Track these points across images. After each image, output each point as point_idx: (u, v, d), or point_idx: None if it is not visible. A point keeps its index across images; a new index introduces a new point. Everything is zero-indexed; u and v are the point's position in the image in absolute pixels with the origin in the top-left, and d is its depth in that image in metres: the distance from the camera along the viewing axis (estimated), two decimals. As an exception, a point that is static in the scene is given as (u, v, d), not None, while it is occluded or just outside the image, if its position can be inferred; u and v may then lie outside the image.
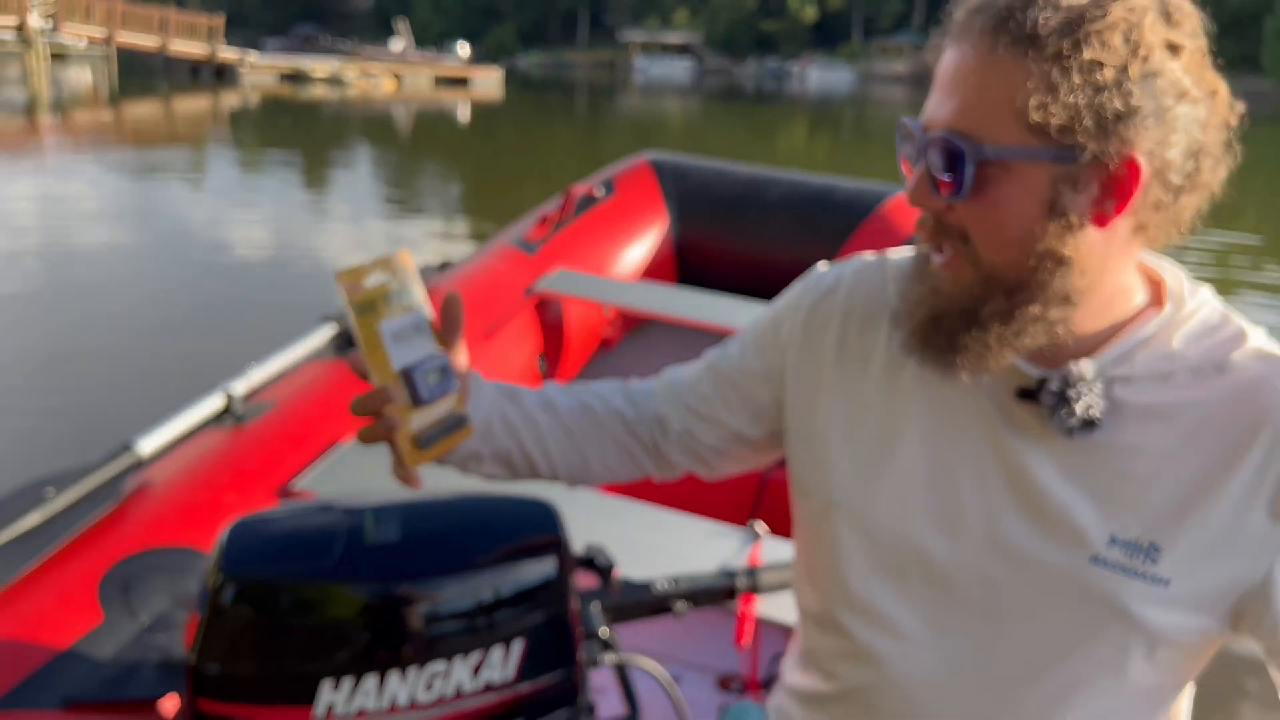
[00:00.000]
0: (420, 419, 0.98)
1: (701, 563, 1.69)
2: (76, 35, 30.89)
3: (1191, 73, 0.81)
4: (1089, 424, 0.87)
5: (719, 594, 1.61)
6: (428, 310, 0.99)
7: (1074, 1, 0.80)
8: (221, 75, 31.94)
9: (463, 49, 49.67)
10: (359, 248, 7.15)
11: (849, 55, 71.23)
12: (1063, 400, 0.87)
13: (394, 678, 1.15)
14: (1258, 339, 0.90)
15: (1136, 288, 0.91)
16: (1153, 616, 0.88)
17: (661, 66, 72.84)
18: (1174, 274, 0.94)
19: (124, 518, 1.78)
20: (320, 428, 2.16)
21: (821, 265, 1.12)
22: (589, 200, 3.80)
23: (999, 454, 0.93)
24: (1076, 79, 0.79)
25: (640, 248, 3.86)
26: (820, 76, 64.44)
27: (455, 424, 1.01)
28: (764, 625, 1.65)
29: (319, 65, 33.60)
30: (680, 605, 1.59)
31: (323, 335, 2.46)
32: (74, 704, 1.43)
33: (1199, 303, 0.92)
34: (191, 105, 21.55)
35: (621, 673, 1.40)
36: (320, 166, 12.13)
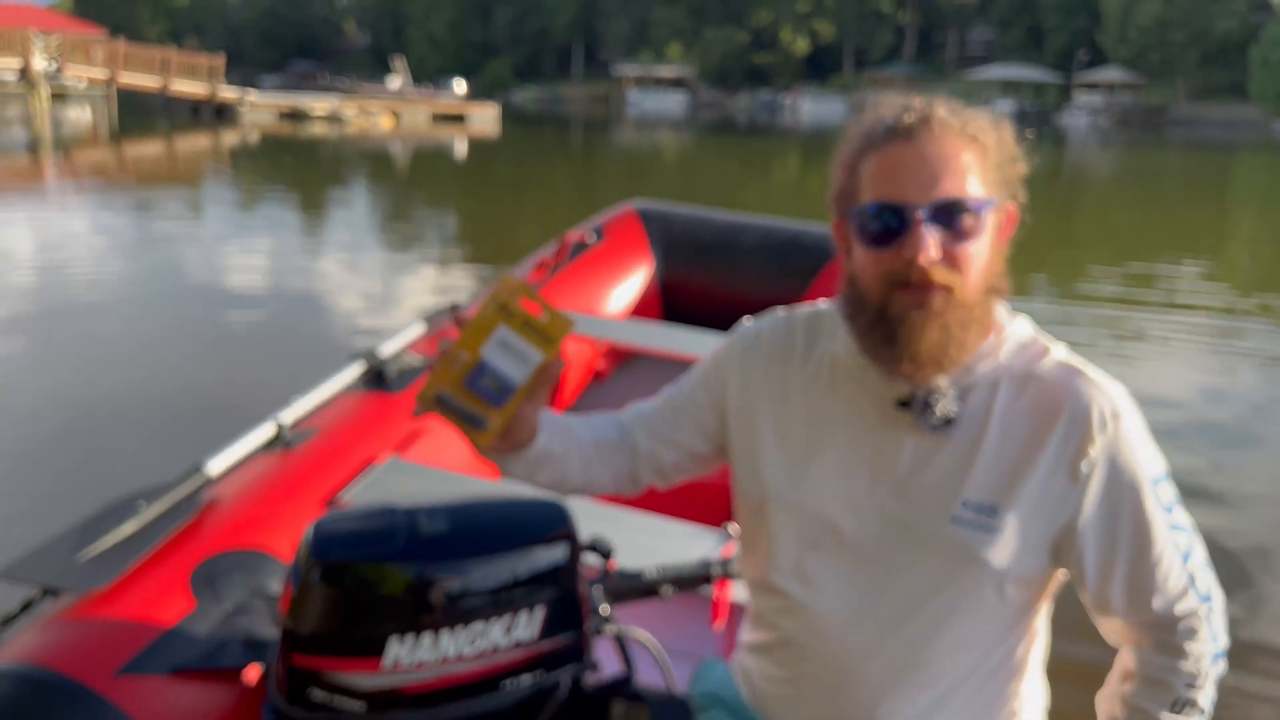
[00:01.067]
0: (459, 392, 1.21)
1: (685, 557, 1.97)
2: (79, 77, 31.28)
3: (1017, 156, 1.23)
4: (947, 422, 1.20)
5: (698, 580, 1.89)
6: (540, 359, 1.22)
7: (959, 107, 1.19)
8: (222, 114, 32.41)
9: (459, 85, 50.23)
10: (359, 280, 7.44)
11: (841, 87, 71.88)
12: (927, 406, 1.19)
13: (445, 636, 1.45)
14: (1058, 353, 1.24)
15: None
16: (996, 558, 1.20)
17: (655, 100, 73.44)
18: (1000, 300, 1.24)
19: (202, 526, 2.10)
20: (358, 450, 2.49)
21: (747, 320, 1.43)
22: (581, 246, 4.10)
23: (885, 449, 1.25)
24: (993, 157, 1.18)
25: (629, 288, 4.19)
26: (813, 108, 64.84)
27: (476, 423, 1.23)
28: (735, 608, 1.94)
29: (318, 103, 34.07)
30: (666, 589, 1.87)
31: (354, 371, 2.81)
32: (179, 671, 1.75)
33: (1015, 327, 1.25)
34: (193, 144, 21.87)
35: (619, 641, 1.70)
36: (321, 203, 12.40)
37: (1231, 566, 3.34)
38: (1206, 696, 1.26)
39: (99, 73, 30.68)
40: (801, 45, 76.53)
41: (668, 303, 4.32)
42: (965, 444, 1.21)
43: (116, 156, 17.80)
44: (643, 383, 3.96)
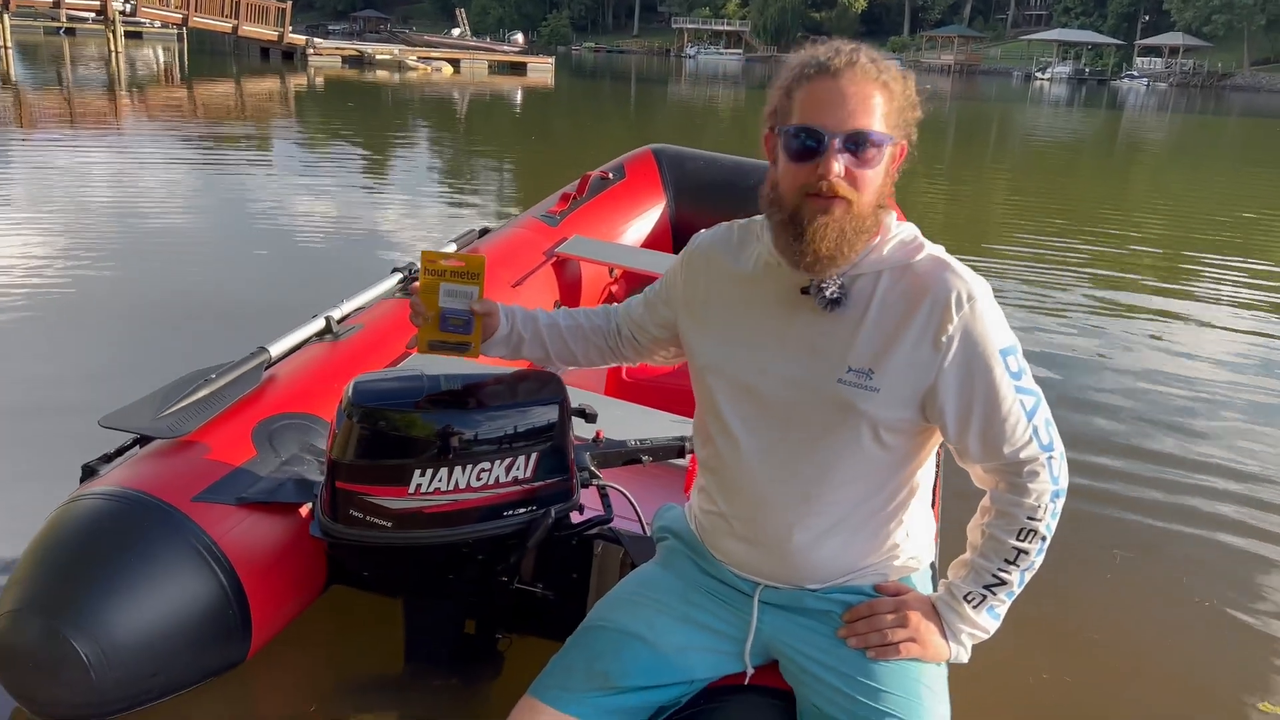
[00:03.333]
0: (439, 336, 1.65)
1: (662, 436, 2.34)
2: (154, 18, 31.93)
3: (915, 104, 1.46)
4: (835, 302, 1.44)
5: (671, 451, 2.27)
6: (474, 290, 1.65)
7: (876, 56, 1.41)
8: (289, 58, 33.11)
9: (518, 37, 50.65)
10: (408, 209, 8.21)
11: (897, 46, 70.82)
12: (820, 291, 1.45)
13: (457, 470, 1.77)
14: (931, 249, 1.47)
15: None
16: (872, 411, 1.45)
17: (711, 54, 72.88)
18: (889, 213, 1.47)
19: (263, 394, 2.48)
20: (394, 344, 2.88)
21: (702, 231, 1.69)
22: (603, 182, 4.61)
23: (789, 326, 1.50)
24: (897, 101, 1.40)
25: (643, 222, 4.62)
26: (797, 55, 64.14)
27: (461, 348, 1.67)
28: None
29: (382, 49, 34.71)
30: (645, 458, 2.24)
31: (392, 280, 3.30)
32: (243, 502, 2.11)
33: (899, 229, 1.48)
34: (262, 85, 22.30)
35: (601, 491, 2.08)
36: (381, 143, 13.00)
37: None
38: (1047, 526, 1.48)
39: (174, 14, 31.29)
40: (860, 3, 75.29)
41: (677, 235, 4.70)
42: (851, 321, 1.45)
43: (189, 96, 18.24)
44: None
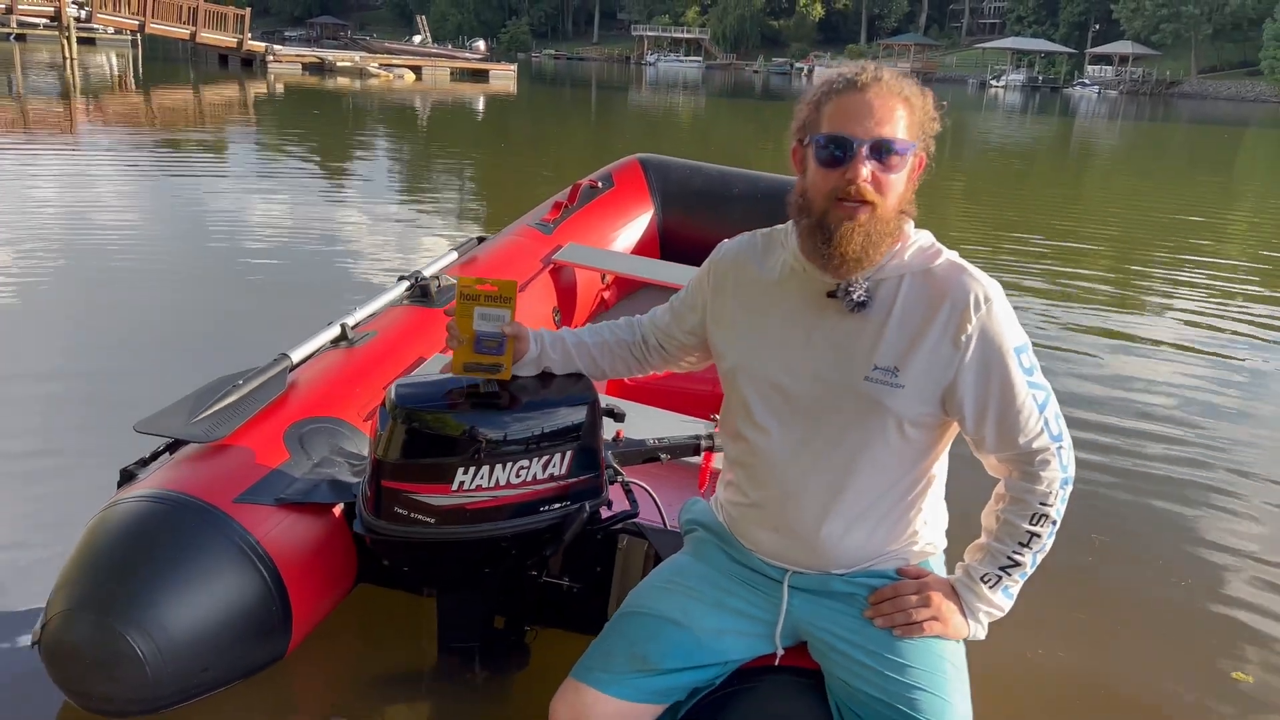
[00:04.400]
0: (474, 358, 1.76)
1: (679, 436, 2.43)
2: (109, 24, 31.51)
3: (935, 117, 1.56)
4: (860, 305, 1.54)
5: (688, 449, 2.33)
6: (506, 314, 1.74)
7: (897, 73, 1.52)
8: (248, 65, 32.86)
9: (479, 44, 50.61)
10: (381, 224, 8.17)
11: (854, 54, 71.57)
12: (847, 294, 1.54)
13: (498, 468, 1.83)
14: (948, 254, 1.57)
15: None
16: (896, 407, 1.54)
17: (671, 62, 73.16)
18: (910, 220, 1.57)
19: (289, 399, 2.55)
20: (408, 349, 2.95)
21: (725, 240, 1.79)
22: (592, 191, 4.73)
23: (817, 327, 1.59)
24: (917, 114, 1.51)
25: (632, 229, 4.75)
26: (824, 73, 64.55)
27: (494, 369, 1.78)
28: (716, 475, 2.21)
29: (343, 56, 34.53)
30: (663, 455, 2.31)
31: (400, 288, 3.36)
32: (282, 503, 2.18)
33: (918, 236, 1.58)
34: (221, 93, 22.06)
35: (625, 488, 2.14)
36: (347, 152, 12.90)
37: None
38: (1057, 511, 1.59)
39: (129, 20, 30.93)
40: (817, 11, 75.94)
41: (665, 242, 4.84)
42: (876, 322, 1.54)
43: (146, 103, 18.00)
44: (642, 311, 4.70)
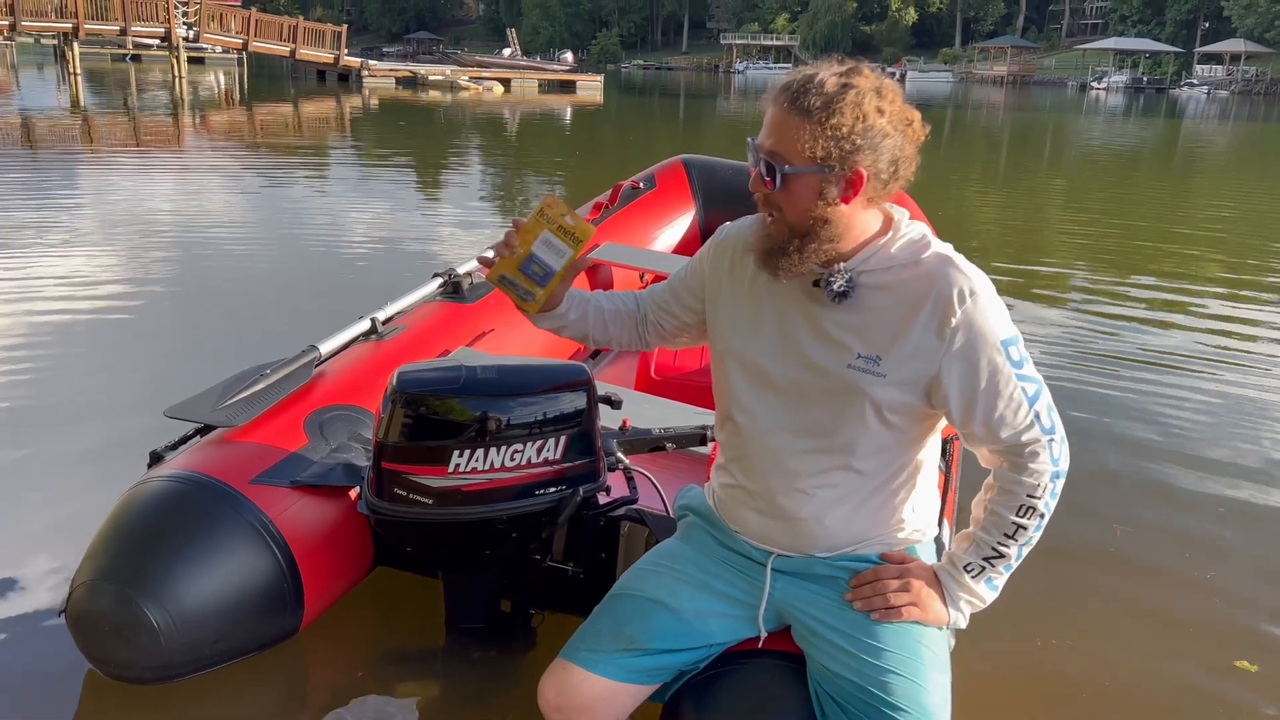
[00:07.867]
0: (515, 274, 1.67)
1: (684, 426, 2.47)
2: (215, 43, 32.86)
3: (892, 120, 1.46)
4: (842, 295, 1.54)
5: (694, 439, 2.38)
6: (570, 253, 1.67)
7: (829, 89, 1.43)
8: (345, 79, 33.97)
9: (567, 56, 51.31)
10: (457, 226, 8.44)
11: (949, 58, 70.26)
12: (829, 284, 1.55)
13: (493, 451, 1.87)
14: (938, 246, 1.55)
15: (874, 224, 1.56)
16: (878, 394, 1.55)
17: (760, 69, 72.98)
18: (901, 213, 1.59)
19: (314, 388, 2.63)
20: (436, 343, 3.01)
21: (727, 224, 1.80)
22: (634, 191, 4.77)
23: (803, 315, 1.60)
24: (828, 133, 1.43)
25: (673, 229, 4.79)
26: (918, 78, 63.34)
27: (526, 295, 1.68)
28: None
29: (434, 70, 35.37)
30: (669, 445, 2.36)
31: (433, 285, 3.42)
32: (297, 485, 2.26)
33: (908, 228, 1.57)
34: (319, 107, 22.85)
35: (627, 475, 2.20)
36: (433, 161, 13.34)
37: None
38: (1046, 504, 1.56)
39: (234, 39, 32.25)
40: (910, 15, 74.89)
41: (705, 241, 4.92)
42: (861, 312, 1.55)
43: (249, 117, 18.78)
44: None
